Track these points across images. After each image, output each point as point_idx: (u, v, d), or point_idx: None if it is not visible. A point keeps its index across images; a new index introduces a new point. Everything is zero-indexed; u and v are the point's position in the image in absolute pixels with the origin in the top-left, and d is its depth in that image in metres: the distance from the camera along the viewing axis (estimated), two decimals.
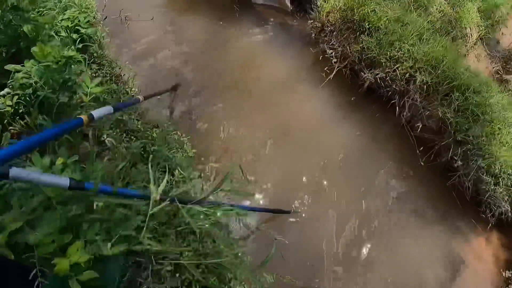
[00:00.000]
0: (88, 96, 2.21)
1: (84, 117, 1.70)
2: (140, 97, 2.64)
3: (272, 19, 4.38)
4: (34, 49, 2.10)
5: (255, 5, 4.47)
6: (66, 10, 3.56)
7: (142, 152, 2.45)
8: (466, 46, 4.79)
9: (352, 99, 3.93)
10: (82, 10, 3.79)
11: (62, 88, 2.22)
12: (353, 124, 3.85)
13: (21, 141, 1.30)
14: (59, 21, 3.35)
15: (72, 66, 2.44)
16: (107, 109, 1.95)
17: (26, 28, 2.36)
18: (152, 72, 3.82)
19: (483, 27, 5.07)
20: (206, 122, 3.48)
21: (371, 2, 4.10)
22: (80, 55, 3.26)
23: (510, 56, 5.08)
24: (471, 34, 4.84)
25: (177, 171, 2.63)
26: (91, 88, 2.22)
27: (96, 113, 1.83)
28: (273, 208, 3.08)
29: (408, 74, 3.81)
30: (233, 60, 3.89)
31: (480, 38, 5.01)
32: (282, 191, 3.27)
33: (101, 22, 3.93)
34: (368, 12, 4.01)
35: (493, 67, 4.88)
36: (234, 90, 3.72)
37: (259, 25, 4.29)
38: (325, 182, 3.47)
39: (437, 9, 4.71)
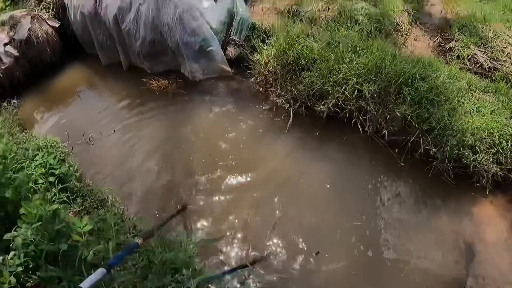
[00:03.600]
0: (83, 235, 2.50)
1: None
2: (139, 240, 2.68)
3: (219, 89, 4.67)
4: (22, 211, 2.35)
5: (199, 82, 4.75)
6: (36, 156, 3.81)
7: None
8: (401, 35, 5.02)
9: (317, 133, 4.16)
10: (49, 150, 4.04)
11: (58, 237, 2.48)
12: (326, 155, 4.07)
13: None
14: (33, 169, 3.60)
15: (60, 213, 2.70)
16: (99, 273, 2.08)
17: (7, 194, 2.62)
18: (133, 182, 4.07)
19: (410, 9, 5.30)
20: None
21: (299, 38, 4.35)
22: (62, 194, 3.51)
23: (445, 23, 5.29)
24: (402, 22, 5.08)
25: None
26: (83, 228, 2.52)
27: (87, 283, 1.95)
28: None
29: (356, 90, 4.03)
30: (199, 142, 4.16)
31: (412, 21, 5.23)
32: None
33: (70, 153, 4.20)
34: (300, 49, 4.26)
35: (434, 41, 5.09)
36: (210, 168, 3.98)
37: (209, 101, 4.58)
38: (322, 216, 3.69)
39: (362, 14, 4.96)
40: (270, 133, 4.21)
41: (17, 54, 5.45)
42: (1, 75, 5.39)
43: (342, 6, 5.06)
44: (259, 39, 4.74)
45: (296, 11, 5.23)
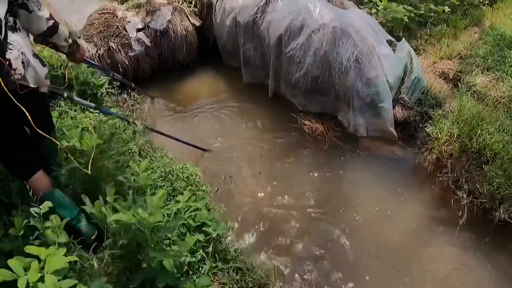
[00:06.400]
0: None
1: None
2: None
3: (381, 153, 4.25)
4: None
5: (361, 138, 4.35)
6: (175, 196, 3.11)
7: None
8: None
9: (487, 239, 3.84)
10: (190, 186, 3.44)
11: None
12: (493, 267, 3.75)
13: None
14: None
15: None
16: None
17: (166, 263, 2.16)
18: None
19: None
20: None
21: (486, 124, 4.01)
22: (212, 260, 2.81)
23: None
24: None
25: None
26: None
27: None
28: None
29: None
30: (358, 217, 3.76)
31: None
32: None
33: (211, 194, 3.62)
34: (487, 137, 3.92)
35: None
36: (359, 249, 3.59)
37: (371, 166, 4.13)
38: None
39: None
40: (437, 226, 3.80)
41: (149, 44, 4.90)
42: (127, 62, 4.85)
43: (510, 87, 4.72)
44: (434, 108, 4.34)
45: (460, 78, 4.86)
